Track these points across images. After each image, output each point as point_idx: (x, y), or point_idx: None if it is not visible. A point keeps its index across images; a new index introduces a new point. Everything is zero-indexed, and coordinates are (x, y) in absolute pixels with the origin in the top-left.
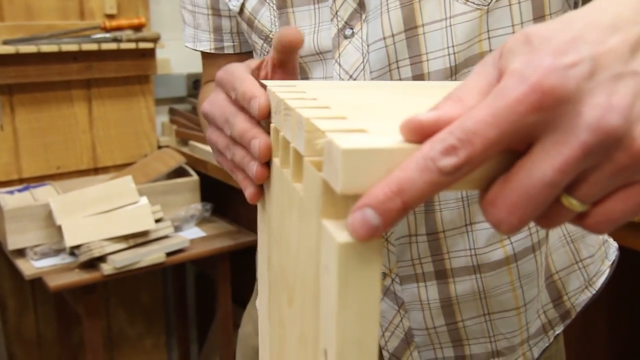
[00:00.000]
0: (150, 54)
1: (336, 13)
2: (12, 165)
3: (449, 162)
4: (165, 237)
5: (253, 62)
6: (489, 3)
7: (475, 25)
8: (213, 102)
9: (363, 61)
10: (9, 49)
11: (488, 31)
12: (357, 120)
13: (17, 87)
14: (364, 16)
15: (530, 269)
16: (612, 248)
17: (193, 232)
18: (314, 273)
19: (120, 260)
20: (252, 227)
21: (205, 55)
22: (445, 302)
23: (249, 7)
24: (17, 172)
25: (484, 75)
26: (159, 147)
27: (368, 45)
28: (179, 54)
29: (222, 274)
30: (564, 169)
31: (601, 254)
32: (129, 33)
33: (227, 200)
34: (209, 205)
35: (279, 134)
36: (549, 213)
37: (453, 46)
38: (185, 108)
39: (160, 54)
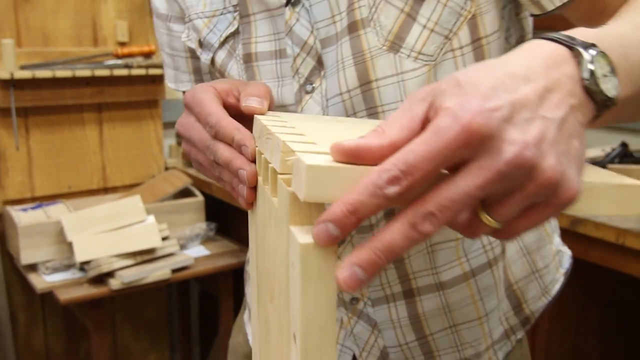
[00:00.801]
0: (159, 79)
1: (297, 70)
2: (26, 184)
3: (393, 190)
4: (171, 254)
5: (220, 86)
6: (436, 58)
7: (425, 79)
8: (187, 125)
9: (323, 114)
10: (26, 74)
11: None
12: (325, 145)
13: (32, 110)
14: (322, 72)
15: (489, 282)
16: (566, 257)
17: (197, 251)
18: (285, 271)
19: (128, 276)
20: None
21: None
22: (414, 318)
23: (218, 60)
24: (30, 190)
25: (409, 112)
26: (166, 169)
27: (327, 100)
28: None
29: (225, 291)
30: (483, 186)
31: (555, 263)
32: (139, 60)
33: (231, 220)
34: (213, 225)
35: (261, 156)
36: (472, 227)
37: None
38: None
39: None
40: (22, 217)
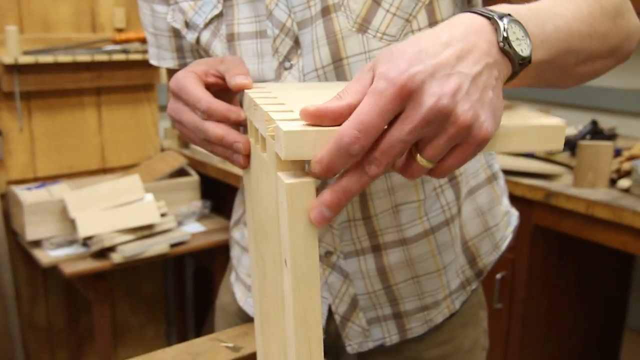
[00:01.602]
0: None
1: (277, 50)
2: (28, 164)
3: (356, 148)
4: (169, 230)
5: (199, 69)
6: (398, 39)
7: None
8: (176, 109)
9: None
10: (29, 59)
11: None
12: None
13: (35, 94)
14: (299, 51)
15: (446, 239)
16: (514, 216)
17: (194, 227)
18: (276, 211)
19: (129, 250)
20: None
21: (170, 72)
22: (381, 270)
23: (203, 39)
24: (32, 171)
25: (360, 80)
26: (162, 150)
27: (304, 75)
28: None
29: (219, 266)
30: (411, 132)
31: (505, 222)
32: (136, 45)
33: (224, 198)
34: (208, 203)
35: (252, 123)
36: (409, 168)
37: None
38: None
39: None
40: (26, 195)
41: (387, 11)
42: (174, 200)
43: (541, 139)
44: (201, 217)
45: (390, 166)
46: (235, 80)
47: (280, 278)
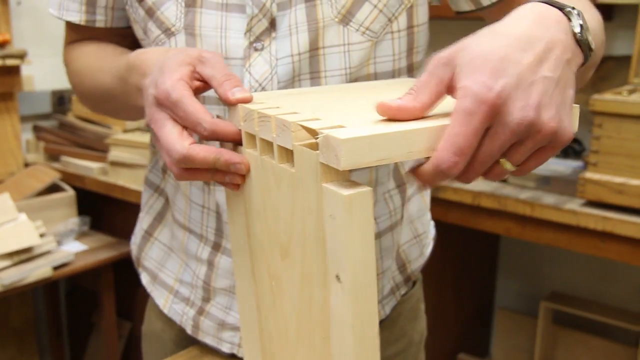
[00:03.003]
0: (15, 70)
1: (250, 29)
2: None
3: (455, 171)
4: (49, 252)
5: (183, 71)
6: (378, 36)
7: (367, 53)
8: (157, 121)
9: (271, 72)
10: None
11: (375, 57)
12: (328, 119)
13: None
14: (273, 34)
15: (388, 244)
16: (432, 225)
17: (74, 246)
18: (316, 224)
19: (7, 277)
20: (130, 237)
21: (71, 25)
22: None
23: None
24: None
25: (435, 76)
26: (26, 165)
27: (277, 59)
28: (43, 70)
29: (106, 285)
30: (503, 145)
31: (429, 230)
32: None
33: (101, 213)
34: (87, 219)
35: (250, 135)
36: (494, 172)
37: (349, 67)
38: (52, 124)
39: (24, 70)
40: None
41: (375, 6)
42: (49, 218)
43: None
44: (80, 235)
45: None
46: (235, 95)
47: (320, 294)
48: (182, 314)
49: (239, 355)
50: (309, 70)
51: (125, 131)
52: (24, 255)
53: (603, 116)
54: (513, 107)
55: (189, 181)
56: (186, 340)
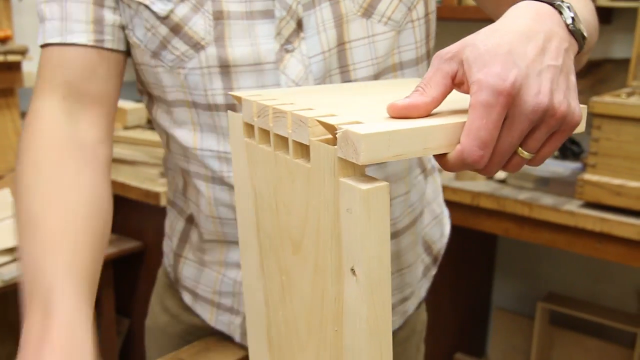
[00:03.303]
0: (16, 66)
1: (280, 32)
2: None
3: (481, 164)
4: None
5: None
6: (400, 25)
7: (391, 42)
8: None
9: (306, 71)
10: None
11: (398, 47)
12: (345, 115)
13: None
14: (301, 34)
15: (420, 229)
16: (444, 206)
17: None
18: (331, 218)
19: (7, 272)
20: (130, 234)
21: (54, 52)
22: None
23: (178, 13)
24: None
25: (440, 70)
26: None
27: (309, 58)
28: None
29: (105, 282)
30: (522, 134)
31: (444, 209)
32: None
33: None
34: None
35: (263, 130)
36: (512, 162)
37: (376, 58)
38: None
39: (25, 67)
40: None
41: None
42: None
43: None
44: None
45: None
46: None
47: (333, 288)
48: (228, 323)
49: None
50: (338, 65)
51: (126, 128)
52: None
53: (602, 118)
54: (527, 95)
55: (214, 203)
56: (192, 335)
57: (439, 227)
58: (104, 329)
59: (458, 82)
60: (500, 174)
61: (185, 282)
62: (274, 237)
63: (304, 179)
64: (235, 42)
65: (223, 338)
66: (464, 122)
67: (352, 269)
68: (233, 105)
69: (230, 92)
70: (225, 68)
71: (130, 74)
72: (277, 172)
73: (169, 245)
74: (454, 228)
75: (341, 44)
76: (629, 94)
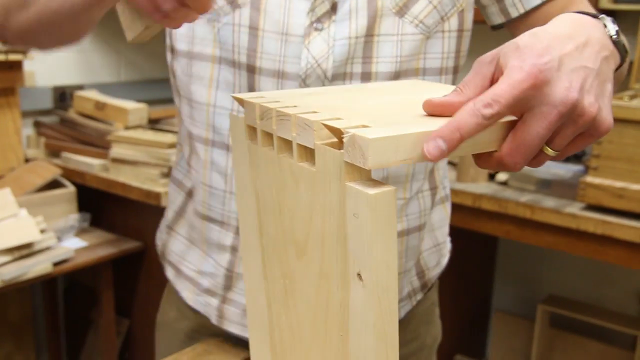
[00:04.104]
0: (17, 66)
1: (314, 9)
2: None
3: (488, 111)
4: (49, 248)
5: None
6: (430, 31)
7: (418, 45)
8: None
9: (328, 52)
10: None
11: (425, 53)
12: (351, 119)
13: None
14: (333, 17)
15: (414, 244)
16: (448, 239)
17: (74, 243)
18: (337, 223)
19: (7, 272)
20: (131, 234)
21: None
22: None
23: None
24: None
25: (479, 73)
26: (26, 160)
27: (335, 40)
28: (44, 66)
29: (105, 283)
30: (550, 127)
31: (447, 241)
32: None
33: (105, 209)
34: (88, 216)
35: (266, 133)
36: (536, 158)
37: (400, 56)
38: (52, 120)
39: (25, 66)
40: None
41: (429, 2)
42: (49, 214)
43: None
44: (80, 232)
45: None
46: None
47: (338, 294)
48: (205, 304)
49: None
50: (362, 54)
51: (127, 128)
52: (24, 251)
53: None
54: (557, 87)
55: (209, 168)
56: (199, 333)
57: (436, 255)
58: (103, 329)
59: (495, 81)
60: (502, 176)
61: (170, 256)
62: (277, 240)
63: (309, 183)
64: (270, 8)
65: (224, 340)
66: None
67: (359, 274)
68: (256, 68)
69: (233, 95)
70: (254, 30)
71: (129, 75)
72: (281, 175)
73: (164, 221)
74: (455, 229)
75: (370, 35)
76: (632, 97)
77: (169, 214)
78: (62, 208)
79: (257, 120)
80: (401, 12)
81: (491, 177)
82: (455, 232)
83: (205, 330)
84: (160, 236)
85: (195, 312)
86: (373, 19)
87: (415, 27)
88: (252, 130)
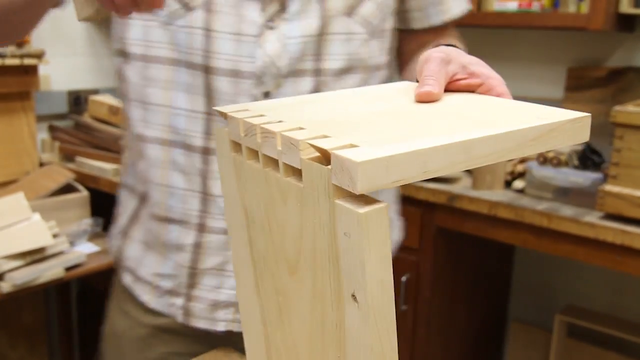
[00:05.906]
0: (33, 70)
1: (265, 8)
2: None
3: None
4: (61, 252)
5: None
6: (374, 30)
7: (364, 43)
8: None
9: (283, 50)
10: None
11: (369, 50)
12: (338, 136)
13: None
14: (283, 15)
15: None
16: (396, 217)
17: (87, 247)
18: (328, 241)
19: (19, 277)
20: None
21: None
22: None
23: None
24: None
25: (444, 67)
26: (41, 165)
27: (287, 39)
28: (59, 70)
29: (105, 282)
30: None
31: (395, 219)
32: (12, 49)
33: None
34: (100, 220)
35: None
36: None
37: (349, 53)
38: (67, 125)
39: (40, 70)
40: None
41: (375, 3)
42: (62, 218)
43: (574, 133)
44: (93, 236)
45: None
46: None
47: (333, 314)
48: (169, 305)
49: (236, 331)
50: (314, 52)
51: None
52: (36, 255)
53: (624, 128)
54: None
55: (169, 168)
56: (158, 339)
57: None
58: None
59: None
60: (518, 184)
61: (127, 262)
62: (269, 256)
63: (297, 199)
64: (222, 9)
65: (225, 354)
66: (462, 142)
67: (353, 295)
68: (212, 68)
69: (215, 107)
70: (208, 32)
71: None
72: (268, 190)
73: (117, 227)
74: (470, 238)
75: (322, 34)
76: None
77: (122, 220)
78: (75, 213)
79: (242, 136)
80: (349, 13)
81: (507, 184)
82: (470, 241)
83: (167, 335)
84: (114, 243)
85: (157, 314)
86: (325, 19)
87: (362, 26)
88: (236, 144)
